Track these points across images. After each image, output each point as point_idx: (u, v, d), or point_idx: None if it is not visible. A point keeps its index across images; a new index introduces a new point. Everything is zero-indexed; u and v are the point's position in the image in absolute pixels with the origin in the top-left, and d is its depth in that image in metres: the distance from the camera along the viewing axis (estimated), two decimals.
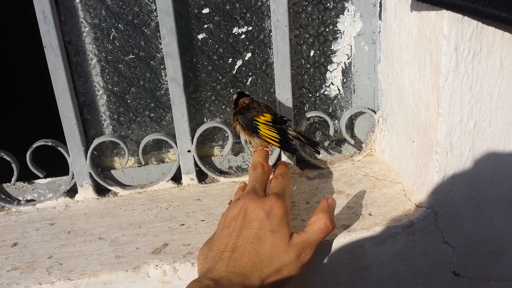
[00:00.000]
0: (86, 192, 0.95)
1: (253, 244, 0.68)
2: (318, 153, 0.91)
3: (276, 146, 0.84)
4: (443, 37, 0.69)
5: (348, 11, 0.93)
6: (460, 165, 0.77)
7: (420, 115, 0.79)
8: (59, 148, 0.92)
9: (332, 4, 0.93)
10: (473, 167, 0.77)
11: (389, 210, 0.83)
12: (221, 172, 1.00)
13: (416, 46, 0.77)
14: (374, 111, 0.98)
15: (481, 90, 0.73)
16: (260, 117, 0.84)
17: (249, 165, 0.99)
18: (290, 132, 0.85)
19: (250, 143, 0.88)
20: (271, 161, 0.95)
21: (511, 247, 0.84)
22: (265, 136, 0.83)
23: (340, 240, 0.78)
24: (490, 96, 0.73)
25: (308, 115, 0.97)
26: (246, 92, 0.89)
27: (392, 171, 0.92)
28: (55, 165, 0.98)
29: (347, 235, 0.78)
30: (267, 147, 0.87)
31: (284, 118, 0.86)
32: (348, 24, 0.94)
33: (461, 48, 0.70)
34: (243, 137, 0.88)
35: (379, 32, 0.91)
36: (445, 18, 0.68)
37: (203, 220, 0.87)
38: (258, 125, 0.84)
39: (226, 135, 0.97)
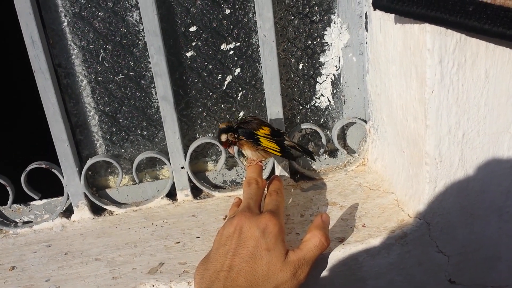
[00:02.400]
0: (82, 212, 0.95)
1: (249, 263, 0.69)
2: (314, 160, 0.94)
3: (278, 155, 0.86)
4: (427, 50, 0.70)
5: (334, 23, 0.94)
6: (450, 175, 0.77)
7: (409, 126, 0.80)
8: (53, 170, 0.92)
9: (318, 17, 0.93)
10: (463, 177, 0.78)
11: (383, 221, 0.83)
12: (216, 187, 1.00)
13: (402, 58, 0.77)
14: (365, 121, 0.98)
15: (467, 101, 0.73)
16: (260, 130, 0.84)
17: (243, 180, 1.00)
18: (286, 142, 0.86)
19: (252, 158, 0.87)
20: (265, 174, 0.96)
21: (505, 253, 0.85)
22: (267, 148, 0.84)
23: (335, 254, 0.78)
24: (477, 107, 0.74)
25: (301, 127, 0.97)
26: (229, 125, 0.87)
27: (385, 181, 0.93)
28: (51, 185, 0.99)
29: (341, 248, 0.79)
30: (261, 161, 0.87)
31: (281, 131, 0.88)
32: (335, 36, 0.94)
33: (446, 60, 0.70)
34: (248, 152, 0.87)
35: (366, 43, 0.92)
36: (428, 32, 0.69)
37: (199, 237, 0.87)
38: (259, 138, 0.84)
39: (219, 150, 0.98)
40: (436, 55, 0.69)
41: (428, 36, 0.69)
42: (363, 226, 0.83)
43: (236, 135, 0.85)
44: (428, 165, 0.76)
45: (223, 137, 0.85)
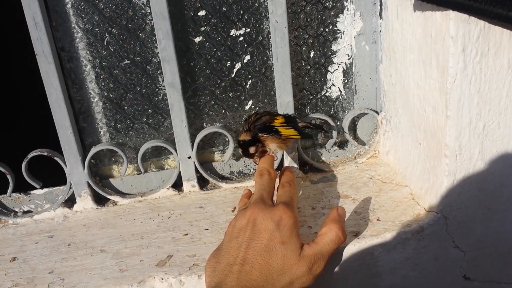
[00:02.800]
0: (84, 202, 0.92)
1: (263, 256, 0.66)
2: (328, 132, 0.95)
3: (298, 138, 0.87)
4: (450, 38, 0.67)
5: (347, 10, 0.91)
6: (469, 168, 0.75)
7: (427, 117, 0.77)
8: (55, 158, 0.89)
9: (331, 3, 0.90)
10: (482, 170, 0.75)
11: (398, 215, 0.81)
12: (223, 178, 0.97)
13: (421, 46, 0.75)
14: (377, 112, 0.96)
15: (489, 92, 0.71)
16: (275, 122, 0.82)
17: (254, 172, 0.97)
18: (300, 124, 0.85)
19: (277, 150, 0.85)
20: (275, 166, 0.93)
21: None
22: (288, 136, 0.82)
23: (350, 248, 0.76)
24: (498, 98, 0.71)
25: (310, 117, 0.95)
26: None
27: (398, 174, 0.90)
28: (52, 174, 0.96)
29: (356, 242, 0.76)
30: (273, 152, 0.85)
31: (291, 115, 0.87)
32: (348, 24, 0.91)
33: (469, 49, 0.67)
34: (275, 147, 0.84)
35: (380, 31, 0.89)
36: (452, 19, 0.66)
37: (207, 229, 0.84)
38: (278, 129, 0.82)
39: (227, 139, 0.95)
40: (459, 43, 0.67)
41: (452, 23, 0.66)
42: (378, 220, 0.80)
43: (257, 137, 0.82)
44: (447, 158, 0.74)
45: (252, 150, 0.83)
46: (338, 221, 0.72)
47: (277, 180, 0.82)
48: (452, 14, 0.66)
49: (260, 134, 0.81)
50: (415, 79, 0.79)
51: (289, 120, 0.84)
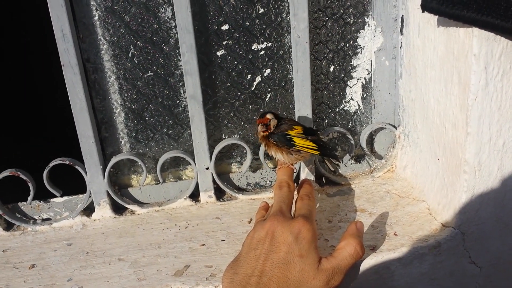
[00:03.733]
0: (103, 211, 0.93)
1: (282, 269, 0.67)
2: (339, 165, 0.93)
3: (316, 154, 0.83)
4: (473, 56, 0.68)
5: (368, 26, 0.92)
6: (488, 185, 0.75)
7: (446, 133, 0.78)
8: (76, 167, 0.91)
9: (353, 19, 0.91)
10: (501, 186, 0.76)
11: (415, 230, 0.81)
12: (239, 189, 0.98)
13: (443, 63, 0.76)
14: (395, 127, 0.96)
15: (510, 109, 0.71)
16: (291, 131, 0.82)
17: (271, 184, 0.98)
18: (322, 138, 0.85)
19: (284, 161, 0.85)
20: None
21: None
22: (302, 147, 0.82)
23: (367, 262, 0.76)
24: None
25: (328, 131, 0.96)
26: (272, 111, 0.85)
27: (415, 189, 0.91)
28: (68, 182, 0.97)
29: (373, 256, 0.77)
30: (293, 164, 0.85)
31: (314, 128, 0.86)
32: (369, 39, 0.93)
33: (491, 66, 0.68)
34: (279, 156, 0.84)
35: (401, 47, 0.90)
36: (475, 36, 0.67)
37: (224, 240, 0.85)
38: (292, 138, 0.82)
39: (245, 151, 0.96)
40: (482, 61, 0.68)
41: (475, 41, 0.67)
42: (395, 234, 0.81)
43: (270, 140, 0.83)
44: (466, 174, 0.74)
45: (269, 116, 0.82)
46: (357, 236, 0.72)
47: (296, 192, 0.83)
48: (476, 31, 0.67)
49: (273, 141, 0.82)
50: (435, 95, 0.80)
51: (309, 132, 0.83)
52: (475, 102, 0.70)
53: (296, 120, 0.92)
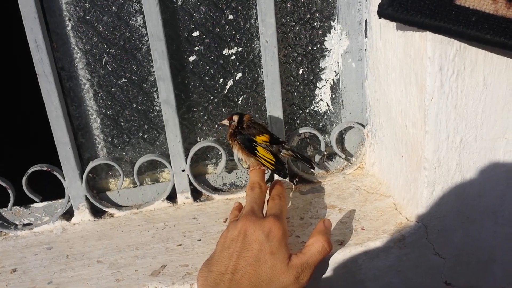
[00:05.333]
0: (82, 215, 0.96)
1: (253, 266, 0.70)
2: (314, 168, 0.95)
3: (270, 168, 0.87)
4: (428, 58, 0.71)
5: (334, 29, 0.95)
6: (448, 180, 0.79)
7: (407, 131, 0.82)
8: (54, 173, 0.93)
9: (319, 23, 0.95)
10: (460, 181, 0.80)
11: (381, 224, 0.85)
12: (216, 190, 1.01)
13: (402, 65, 0.79)
14: (363, 125, 1.00)
15: (466, 108, 0.75)
16: (258, 137, 0.86)
17: (246, 184, 1.01)
18: (283, 152, 0.87)
19: (246, 162, 0.89)
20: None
21: (500, 256, 0.87)
22: (262, 158, 0.86)
23: (335, 256, 0.80)
24: (474, 113, 0.76)
25: (300, 131, 0.99)
26: (245, 113, 0.89)
27: (382, 184, 0.95)
28: (50, 187, 0.99)
29: (341, 251, 0.80)
30: (264, 166, 0.89)
31: (280, 139, 0.88)
32: (335, 42, 0.96)
33: (445, 68, 0.72)
34: (240, 156, 0.89)
35: (365, 49, 0.94)
36: (429, 40, 0.70)
37: (200, 240, 0.88)
38: (256, 147, 0.86)
39: (219, 153, 0.99)
40: (436, 63, 0.71)
41: (429, 44, 0.71)
42: (362, 229, 0.84)
43: (235, 138, 0.87)
44: (426, 170, 0.78)
45: (235, 117, 0.87)
46: (325, 233, 0.76)
47: (268, 192, 0.86)
48: (430, 35, 0.71)
49: (238, 141, 0.86)
50: (396, 96, 0.83)
51: (274, 141, 0.87)
52: (431, 102, 0.74)
53: (267, 123, 0.95)
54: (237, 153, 0.89)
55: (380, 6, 0.67)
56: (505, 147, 0.79)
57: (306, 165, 0.92)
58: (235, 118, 0.87)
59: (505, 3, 0.66)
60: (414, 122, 0.79)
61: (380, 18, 0.68)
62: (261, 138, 0.86)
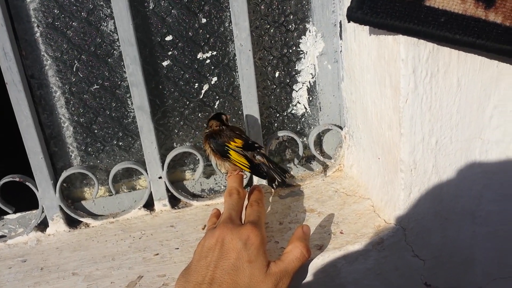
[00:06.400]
0: (57, 225, 0.94)
1: (231, 275, 0.69)
2: (284, 182, 0.90)
3: (247, 171, 0.85)
4: (401, 61, 0.71)
5: (309, 32, 0.94)
6: (425, 182, 0.79)
7: (383, 133, 0.81)
8: (27, 183, 0.91)
9: (294, 26, 0.94)
10: (437, 183, 0.79)
11: (360, 227, 0.84)
12: (194, 196, 1.00)
13: (376, 67, 0.79)
14: (341, 128, 0.99)
15: (440, 109, 0.75)
16: (231, 142, 0.85)
17: (225, 189, 1.00)
18: (258, 157, 0.86)
19: (222, 167, 0.88)
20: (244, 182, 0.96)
21: (479, 256, 0.87)
22: (236, 162, 0.84)
23: (315, 261, 0.79)
24: (449, 114, 0.75)
25: (278, 134, 0.98)
26: (223, 115, 0.89)
27: (361, 187, 0.94)
28: (24, 197, 0.97)
29: (320, 256, 0.79)
30: (242, 171, 0.88)
31: (256, 145, 0.86)
32: (311, 45, 0.95)
33: (419, 70, 0.72)
34: (214, 161, 0.88)
35: (341, 51, 0.93)
36: (402, 43, 0.70)
37: (178, 248, 0.87)
38: (229, 151, 0.84)
39: (197, 158, 0.97)
40: (409, 65, 0.71)
41: (402, 47, 0.70)
42: (341, 233, 0.84)
43: (208, 142, 0.86)
44: (403, 172, 0.78)
45: (213, 124, 0.87)
46: (303, 239, 0.75)
47: (247, 198, 0.85)
48: (402, 38, 0.70)
49: (211, 145, 0.86)
50: (372, 98, 0.83)
51: (248, 147, 0.85)
52: (406, 104, 0.73)
53: (244, 127, 0.94)
54: (210, 157, 0.88)
55: (349, 9, 0.66)
56: (480, 148, 0.79)
57: (276, 177, 0.87)
58: (213, 123, 0.86)
59: (473, 3, 0.65)
60: (390, 124, 0.78)
61: (349, 21, 0.68)
62: (234, 144, 0.85)
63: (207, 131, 0.88)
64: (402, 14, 0.66)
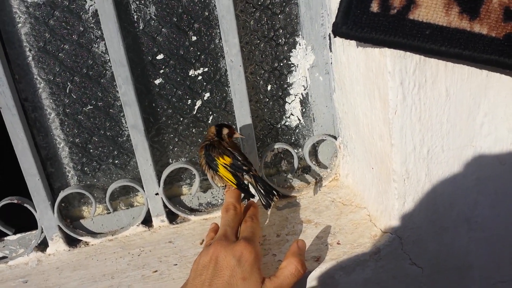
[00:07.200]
0: (57, 245, 0.94)
1: None
2: (269, 206, 0.86)
3: (234, 187, 0.86)
4: (388, 73, 0.72)
5: (299, 45, 0.95)
6: (418, 191, 0.79)
7: (375, 144, 0.82)
8: (25, 205, 0.91)
9: (284, 39, 0.95)
10: (431, 191, 0.80)
11: (356, 237, 0.85)
12: (192, 210, 1.01)
13: (365, 79, 0.79)
14: (335, 137, 1.00)
15: (430, 119, 0.75)
16: (220, 158, 0.86)
17: (222, 203, 1.00)
18: (246, 176, 0.86)
19: (214, 179, 0.89)
20: None
21: (476, 261, 0.87)
22: (224, 177, 0.86)
23: (313, 273, 0.80)
24: (439, 124, 0.76)
25: (272, 147, 0.99)
26: (226, 123, 0.91)
27: (357, 196, 0.95)
28: (26, 217, 0.97)
29: (318, 268, 0.80)
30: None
31: (244, 167, 0.86)
32: (301, 57, 0.96)
33: (406, 81, 0.72)
34: (206, 171, 0.89)
35: (331, 63, 0.94)
36: (388, 56, 0.71)
37: (176, 264, 0.87)
38: (218, 165, 0.86)
39: (193, 173, 0.98)
40: (397, 77, 0.72)
41: (388, 60, 0.71)
42: (338, 244, 0.84)
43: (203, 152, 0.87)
44: (396, 182, 0.78)
45: (210, 131, 0.88)
46: (298, 254, 0.75)
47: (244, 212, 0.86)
48: (388, 51, 0.71)
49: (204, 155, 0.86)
50: (362, 109, 0.83)
51: (236, 167, 0.85)
52: (395, 115, 0.74)
53: (239, 144, 0.94)
54: (204, 167, 0.88)
55: (334, 24, 0.67)
56: (473, 155, 0.80)
57: (261, 199, 0.86)
58: (211, 130, 0.88)
59: (457, 15, 0.66)
60: (381, 135, 0.79)
61: (335, 36, 0.68)
62: (222, 160, 0.86)
63: (206, 140, 0.89)
64: (386, 28, 0.67)
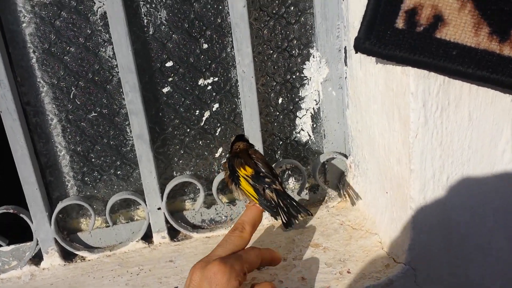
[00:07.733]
0: (52, 259, 0.90)
1: None
2: (289, 226, 0.76)
3: (256, 203, 0.78)
4: (410, 94, 0.68)
5: (313, 57, 0.91)
6: (435, 220, 0.75)
7: (392, 167, 0.78)
8: (21, 215, 0.87)
9: (297, 51, 0.91)
10: (447, 221, 0.76)
11: (368, 266, 0.80)
12: (194, 227, 0.96)
13: (384, 98, 0.76)
14: (345, 156, 0.96)
15: (451, 144, 0.71)
16: (242, 169, 0.78)
17: (226, 220, 0.97)
18: (267, 192, 0.77)
19: (235, 192, 0.82)
20: None
21: None
22: (245, 190, 0.78)
23: None
24: (461, 150, 0.72)
25: (281, 163, 0.95)
26: (245, 136, 0.86)
27: (367, 220, 0.90)
28: (20, 227, 0.93)
29: None
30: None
31: (267, 179, 0.77)
32: (315, 70, 0.92)
33: (429, 103, 0.68)
34: (229, 185, 0.81)
35: (346, 78, 0.90)
36: (411, 75, 0.67)
37: (177, 287, 0.83)
38: (239, 177, 0.79)
39: (197, 188, 0.94)
40: (419, 99, 0.68)
41: (412, 79, 0.67)
42: (348, 272, 0.80)
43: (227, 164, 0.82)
44: (412, 210, 0.74)
45: (239, 145, 0.83)
46: None
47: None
48: (412, 70, 0.67)
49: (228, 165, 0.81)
50: (379, 129, 0.79)
51: (257, 179, 0.77)
52: (415, 139, 0.70)
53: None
54: (227, 181, 0.81)
55: (356, 40, 0.63)
56: (493, 183, 0.75)
57: (282, 217, 0.76)
58: (239, 145, 0.83)
59: (487, 36, 0.62)
60: (399, 159, 0.75)
61: (356, 52, 0.65)
62: (244, 172, 0.78)
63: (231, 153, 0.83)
64: (411, 46, 0.64)
